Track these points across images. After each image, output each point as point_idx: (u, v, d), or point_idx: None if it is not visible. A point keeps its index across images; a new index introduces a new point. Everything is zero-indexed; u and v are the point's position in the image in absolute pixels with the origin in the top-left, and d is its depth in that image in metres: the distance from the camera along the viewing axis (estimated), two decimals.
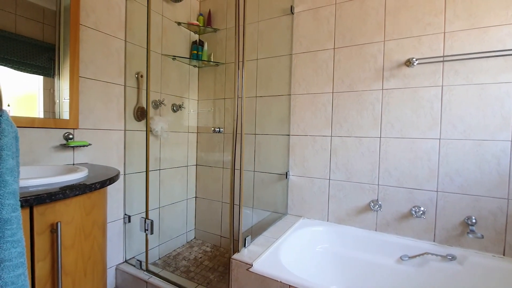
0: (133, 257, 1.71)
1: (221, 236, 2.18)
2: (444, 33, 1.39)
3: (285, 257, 1.31)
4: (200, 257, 2.01)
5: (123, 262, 1.67)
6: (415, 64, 1.42)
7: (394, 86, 1.52)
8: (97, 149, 1.51)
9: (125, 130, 1.65)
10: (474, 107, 1.34)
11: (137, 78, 1.71)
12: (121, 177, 1.65)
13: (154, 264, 1.87)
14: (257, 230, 1.60)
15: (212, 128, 1.86)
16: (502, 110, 1.29)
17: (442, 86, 1.40)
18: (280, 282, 1.09)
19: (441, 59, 1.38)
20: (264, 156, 1.95)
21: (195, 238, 2.33)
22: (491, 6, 1.30)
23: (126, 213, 1.68)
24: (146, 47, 1.63)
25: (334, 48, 1.68)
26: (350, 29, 1.63)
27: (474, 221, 1.34)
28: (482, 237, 1.29)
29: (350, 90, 1.64)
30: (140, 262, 1.61)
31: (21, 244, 0.51)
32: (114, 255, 1.63)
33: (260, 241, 1.43)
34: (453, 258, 1.34)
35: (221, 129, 1.93)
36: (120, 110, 1.63)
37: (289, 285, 1.07)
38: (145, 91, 1.69)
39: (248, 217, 1.92)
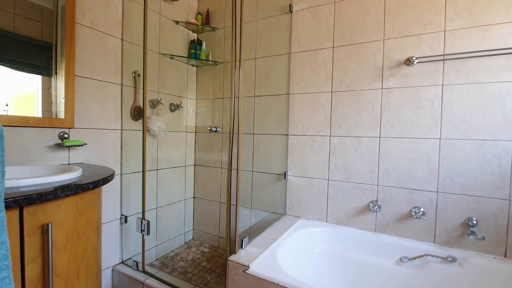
0: (130, 258, 1.69)
1: (219, 237, 2.16)
2: (445, 31, 1.37)
3: (283, 258, 1.29)
4: (198, 258, 1.99)
5: (120, 263, 1.65)
6: (415, 63, 1.40)
7: (394, 85, 1.50)
8: (94, 149, 1.49)
9: (121, 129, 1.63)
10: (475, 106, 1.32)
11: (134, 77, 1.70)
12: (118, 177, 1.64)
13: (151, 265, 1.85)
14: (255, 231, 1.58)
15: (209, 128, 1.84)
16: (503, 110, 1.27)
17: (442, 85, 1.38)
18: (277, 284, 1.07)
19: (442, 58, 1.36)
20: (262, 156, 1.93)
21: (193, 238, 2.31)
22: (492, 4, 1.28)
23: (123, 213, 1.66)
24: (143, 46, 1.61)
25: (333, 47, 1.66)
26: (349, 27, 1.61)
27: (475, 222, 1.31)
28: (483, 238, 1.26)
29: (349, 90, 1.62)
30: (137, 263, 1.60)
31: (5, 246, 0.50)
32: (111, 256, 1.61)
33: (258, 242, 1.41)
34: (453, 259, 1.31)
35: (218, 129, 1.91)
36: (117, 110, 1.61)
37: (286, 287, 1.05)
38: (142, 90, 1.67)
39: (246, 218, 1.90)
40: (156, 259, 1.95)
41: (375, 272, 1.46)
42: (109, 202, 1.59)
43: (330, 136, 1.69)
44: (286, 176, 1.84)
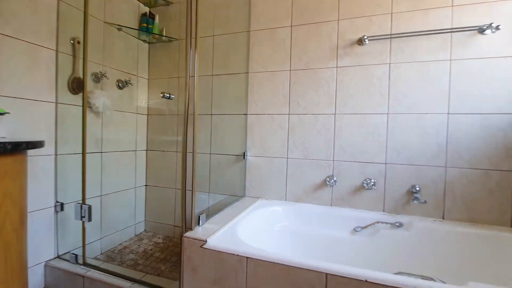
0: (68, 252, 1.47)
1: (174, 226, 2.02)
2: (392, 13, 1.47)
3: (243, 235, 1.24)
4: (151, 249, 1.83)
5: (55, 258, 1.43)
6: (366, 42, 1.48)
7: (348, 64, 1.56)
8: (20, 122, 1.26)
9: (56, 102, 1.42)
10: (418, 83, 1.44)
11: (74, 44, 1.49)
12: (52, 158, 1.41)
13: (95, 259, 1.64)
14: (213, 213, 1.50)
15: (161, 94, 1.70)
16: (440, 86, 1.41)
17: (389, 64, 1.49)
18: (237, 255, 1.02)
19: (389, 36, 1.46)
20: (220, 137, 1.86)
21: (145, 230, 2.12)
22: None
23: (58, 200, 1.44)
24: (83, 10, 1.43)
25: (291, 26, 1.68)
26: (307, 7, 1.65)
27: (417, 189, 1.43)
28: (425, 202, 1.39)
29: (307, 68, 1.65)
30: (76, 256, 1.39)
31: None
32: (43, 250, 1.38)
33: (216, 219, 1.34)
34: (400, 225, 1.41)
35: (171, 96, 1.77)
36: (51, 79, 1.39)
37: (247, 257, 1.01)
38: (83, 60, 1.47)
39: (204, 202, 1.81)
40: (101, 253, 1.74)
41: (332, 244, 1.50)
42: (41, 186, 1.36)
43: (289, 114, 1.69)
44: (245, 156, 1.80)
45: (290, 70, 1.69)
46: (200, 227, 1.22)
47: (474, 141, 1.36)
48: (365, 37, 1.47)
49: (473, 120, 1.36)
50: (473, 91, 1.35)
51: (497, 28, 1.28)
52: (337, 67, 1.59)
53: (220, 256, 1.05)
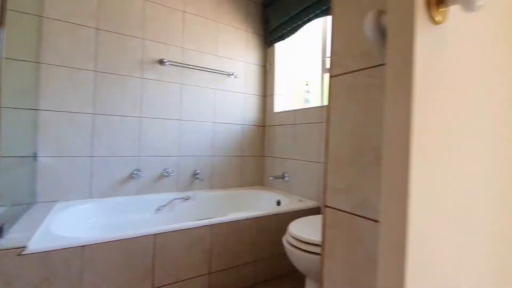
0: None
1: None
2: (183, 48, 2.05)
3: (62, 234, 1.26)
4: None
5: None
6: (166, 64, 1.95)
7: (152, 77, 1.94)
8: None
9: None
10: (199, 101, 2.14)
11: None
12: None
13: None
14: None
15: None
16: (211, 104, 2.20)
17: (181, 84, 2.06)
18: (70, 248, 1.10)
19: (181, 65, 2.02)
20: None
21: None
22: (207, 40, 2.15)
23: None
24: None
25: (98, 29, 1.74)
26: (114, 17, 1.79)
27: (198, 172, 2.15)
28: (203, 179, 2.13)
29: (114, 73, 1.80)
30: None
31: None
32: None
33: (19, 228, 1.21)
34: (188, 198, 2.05)
35: None
36: None
37: (82, 246, 1.13)
38: None
39: None
40: None
41: (140, 224, 1.83)
42: None
43: (94, 114, 1.75)
44: (36, 157, 1.60)
45: (96, 71, 1.74)
46: (2, 240, 1.08)
47: (225, 140, 2.29)
48: (165, 60, 1.93)
49: (224, 126, 2.29)
50: (226, 109, 2.28)
51: (235, 76, 2.27)
52: (142, 78, 1.91)
53: (46, 256, 1.07)
